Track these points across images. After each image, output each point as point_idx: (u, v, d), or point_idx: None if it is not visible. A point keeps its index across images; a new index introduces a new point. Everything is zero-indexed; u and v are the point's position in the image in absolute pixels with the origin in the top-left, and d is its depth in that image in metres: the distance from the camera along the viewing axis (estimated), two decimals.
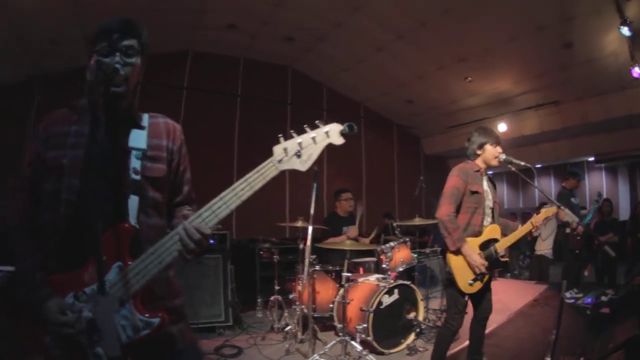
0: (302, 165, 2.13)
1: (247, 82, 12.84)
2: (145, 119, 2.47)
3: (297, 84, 13.90)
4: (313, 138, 2.13)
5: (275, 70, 13.45)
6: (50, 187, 2.21)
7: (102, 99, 2.13)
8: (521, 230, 5.05)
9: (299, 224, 7.05)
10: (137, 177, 2.27)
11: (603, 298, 8.05)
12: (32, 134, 9.09)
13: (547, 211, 5.10)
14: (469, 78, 12.07)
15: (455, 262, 4.80)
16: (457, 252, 4.77)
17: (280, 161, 2.12)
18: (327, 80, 14.33)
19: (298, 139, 2.13)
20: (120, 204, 2.21)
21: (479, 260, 4.72)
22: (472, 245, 4.79)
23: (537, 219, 5.01)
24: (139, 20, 2.35)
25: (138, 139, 2.35)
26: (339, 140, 2.16)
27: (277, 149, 2.13)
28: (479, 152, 5.09)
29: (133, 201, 2.23)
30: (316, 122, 2.18)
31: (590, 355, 5.41)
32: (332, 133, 2.15)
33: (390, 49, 11.22)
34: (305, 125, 2.17)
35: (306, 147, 2.13)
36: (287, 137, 2.17)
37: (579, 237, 9.01)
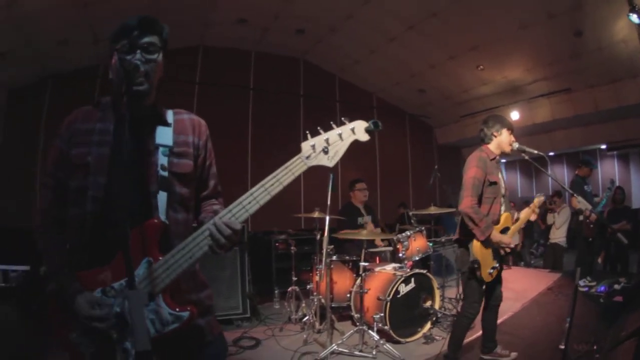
0: (329, 161, 2.18)
1: (259, 75, 12.83)
2: (170, 115, 2.50)
3: (310, 76, 13.85)
4: (339, 135, 2.19)
5: (287, 63, 13.43)
6: (76, 185, 2.24)
7: (126, 97, 2.15)
8: (522, 219, 5.17)
9: (316, 214, 7.06)
10: (165, 174, 2.29)
11: (616, 286, 8.09)
12: (46, 131, 9.17)
13: (538, 200, 5.29)
14: (481, 67, 12.04)
15: (482, 252, 4.91)
16: (486, 241, 4.86)
17: (308, 157, 2.16)
18: (339, 72, 14.30)
19: (325, 135, 2.19)
20: (149, 200, 2.24)
21: (508, 241, 4.90)
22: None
23: (533, 206, 5.15)
24: (158, 18, 2.34)
25: (164, 135, 2.38)
26: (364, 137, 2.22)
27: (305, 146, 2.17)
28: (495, 134, 5.16)
29: (162, 197, 2.26)
30: (342, 118, 2.22)
31: (603, 343, 5.45)
32: (357, 130, 2.21)
33: (402, 39, 11.20)
34: (331, 122, 2.22)
35: (333, 143, 2.18)
36: (313, 132, 2.22)
37: (592, 225, 9.05)
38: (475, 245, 4.90)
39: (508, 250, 4.95)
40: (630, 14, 7.97)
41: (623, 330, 5.38)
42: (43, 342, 5.11)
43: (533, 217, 5.37)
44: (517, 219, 5.29)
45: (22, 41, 8.13)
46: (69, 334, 2.14)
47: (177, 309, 2.12)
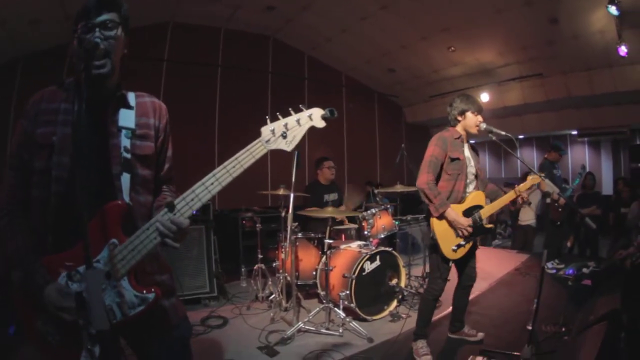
0: (288, 145, 2.28)
1: (227, 52, 12.66)
2: (132, 97, 2.51)
3: (278, 54, 13.73)
4: (297, 120, 2.30)
5: (257, 40, 13.27)
6: (40, 166, 2.22)
7: (85, 76, 2.12)
8: (505, 197, 5.04)
9: (281, 191, 7.04)
10: (128, 156, 2.32)
11: (585, 270, 8.13)
12: (16, 113, 8.95)
13: (533, 179, 5.09)
14: (452, 48, 12.03)
15: (439, 228, 4.85)
16: (441, 217, 4.81)
17: (268, 141, 2.25)
18: (309, 50, 14.19)
19: (284, 121, 2.29)
20: (111, 182, 2.26)
21: (465, 223, 4.77)
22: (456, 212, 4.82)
23: (522, 186, 5.01)
24: None
25: (127, 118, 2.40)
26: (320, 124, 2.34)
27: (265, 130, 2.27)
28: (459, 118, 5.11)
29: (125, 179, 2.29)
30: (300, 105, 2.35)
31: (572, 326, 5.50)
32: (314, 116, 2.32)
33: (374, 18, 11.10)
34: (290, 108, 2.33)
35: (291, 128, 2.29)
36: (280, 111, 2.33)
37: (560, 209, 9.08)
38: (433, 221, 4.88)
39: (465, 232, 4.85)
40: (609, 6, 7.97)
41: (592, 314, 5.40)
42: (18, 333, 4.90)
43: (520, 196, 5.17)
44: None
45: None
46: (34, 323, 2.13)
47: (144, 291, 2.15)
